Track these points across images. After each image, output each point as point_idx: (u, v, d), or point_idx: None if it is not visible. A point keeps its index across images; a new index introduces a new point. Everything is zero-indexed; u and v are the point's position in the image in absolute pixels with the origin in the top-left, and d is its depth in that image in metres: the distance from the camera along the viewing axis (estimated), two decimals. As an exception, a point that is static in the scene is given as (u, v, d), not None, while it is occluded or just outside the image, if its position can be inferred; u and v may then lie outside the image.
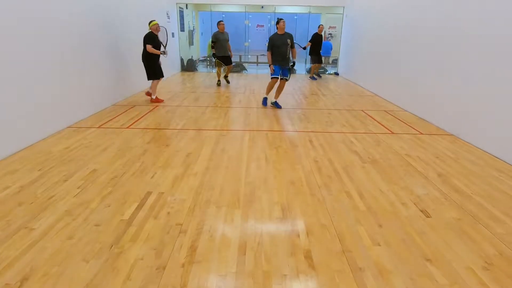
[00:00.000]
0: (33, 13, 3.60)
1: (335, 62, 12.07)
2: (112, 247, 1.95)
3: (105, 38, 5.31)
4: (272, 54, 5.54)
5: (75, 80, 4.46)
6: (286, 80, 5.70)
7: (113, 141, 3.80)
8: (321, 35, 9.58)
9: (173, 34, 9.82)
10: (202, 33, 14.00)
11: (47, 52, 3.85)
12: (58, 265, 1.79)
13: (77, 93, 4.51)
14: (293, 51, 5.62)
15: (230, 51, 7.80)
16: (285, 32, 5.51)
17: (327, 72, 10.99)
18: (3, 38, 3.20)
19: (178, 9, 10.24)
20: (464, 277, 1.79)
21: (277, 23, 5.52)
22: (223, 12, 12.81)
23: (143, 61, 5.79)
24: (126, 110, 5.26)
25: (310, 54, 9.71)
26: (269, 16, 11.92)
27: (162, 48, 5.98)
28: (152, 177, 2.91)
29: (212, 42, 7.62)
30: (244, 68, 11.05)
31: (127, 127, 4.36)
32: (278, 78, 5.63)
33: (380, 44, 7.14)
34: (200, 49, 13.71)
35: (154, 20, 5.84)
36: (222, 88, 7.69)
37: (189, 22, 11.80)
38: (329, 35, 13.50)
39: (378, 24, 7.36)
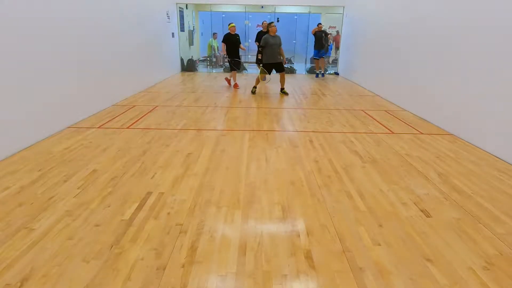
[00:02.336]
0: (33, 13, 3.60)
1: (335, 62, 12.08)
2: (112, 248, 1.95)
3: (105, 38, 5.31)
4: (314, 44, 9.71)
5: (75, 80, 4.46)
6: (323, 57, 10.07)
7: (113, 141, 3.80)
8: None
9: (173, 34, 9.83)
10: (202, 33, 13.99)
11: (47, 52, 3.85)
12: (58, 266, 1.79)
13: (77, 93, 4.51)
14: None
15: (283, 56, 6.93)
16: (322, 30, 9.71)
17: (327, 72, 10.99)
18: (3, 38, 3.20)
19: (178, 9, 10.23)
20: (465, 277, 1.79)
21: (318, 25, 9.78)
22: (223, 12, 12.81)
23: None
24: (126, 110, 5.26)
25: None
26: (269, 16, 11.90)
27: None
28: (152, 177, 2.91)
29: (260, 47, 6.72)
30: (244, 68, 11.06)
31: (127, 127, 4.36)
32: (318, 59, 10.01)
33: (380, 44, 7.14)
34: (200, 49, 13.71)
35: (232, 23, 7.44)
36: (224, 89, 7.68)
37: (189, 22, 11.79)
38: (329, 35, 13.48)
39: (378, 24, 7.35)
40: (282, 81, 7.08)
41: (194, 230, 2.15)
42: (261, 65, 6.87)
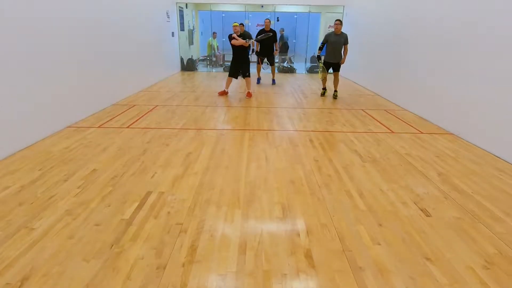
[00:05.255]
0: (33, 12, 3.60)
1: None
2: (113, 247, 1.95)
3: (105, 37, 5.31)
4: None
5: (75, 80, 4.46)
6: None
7: (113, 140, 3.80)
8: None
9: (173, 33, 9.82)
10: (202, 32, 13.98)
11: (46, 52, 3.84)
12: (58, 265, 1.80)
13: (77, 93, 4.51)
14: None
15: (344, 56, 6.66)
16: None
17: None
18: (3, 37, 3.20)
19: (178, 9, 10.22)
20: (465, 276, 1.79)
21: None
22: (223, 12, 12.80)
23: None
24: (126, 110, 5.26)
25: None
26: (269, 16, 11.90)
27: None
28: (152, 176, 2.91)
29: (322, 43, 6.64)
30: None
31: (127, 127, 4.36)
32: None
33: (380, 43, 7.14)
34: (200, 49, 13.70)
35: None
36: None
37: (189, 21, 11.78)
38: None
39: (378, 23, 7.35)
40: (336, 82, 6.91)
41: (194, 229, 2.15)
42: (320, 61, 6.80)
